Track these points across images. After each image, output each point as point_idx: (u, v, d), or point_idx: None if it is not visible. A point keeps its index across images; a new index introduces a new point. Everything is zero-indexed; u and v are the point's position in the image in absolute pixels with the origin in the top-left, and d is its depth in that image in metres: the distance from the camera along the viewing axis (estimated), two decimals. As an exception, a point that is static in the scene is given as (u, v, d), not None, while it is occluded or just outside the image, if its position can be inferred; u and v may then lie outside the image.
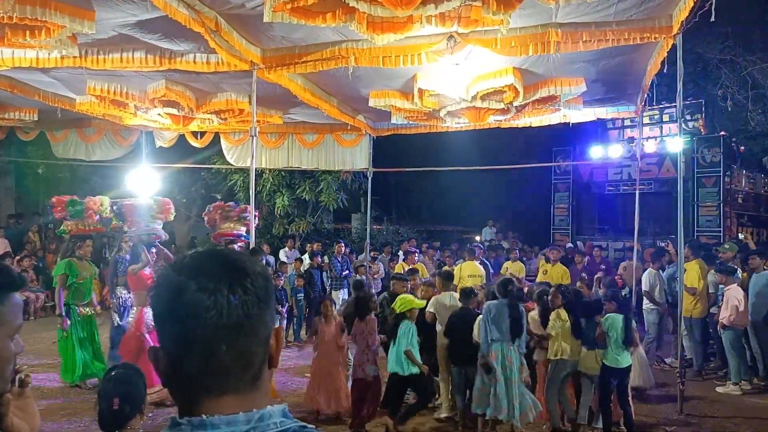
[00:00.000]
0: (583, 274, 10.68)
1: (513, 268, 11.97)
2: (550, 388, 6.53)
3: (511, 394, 6.09)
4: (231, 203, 10.99)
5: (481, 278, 10.20)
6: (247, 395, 1.06)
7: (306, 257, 13.57)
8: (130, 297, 8.16)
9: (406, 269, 10.86)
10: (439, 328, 7.02)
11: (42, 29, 6.21)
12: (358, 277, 11.03)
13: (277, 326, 1.12)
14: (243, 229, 10.52)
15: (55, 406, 7.24)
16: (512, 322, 6.22)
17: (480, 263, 11.14)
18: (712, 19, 5.75)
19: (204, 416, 1.02)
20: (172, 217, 9.09)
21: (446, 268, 11.06)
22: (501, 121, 10.34)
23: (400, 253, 13.84)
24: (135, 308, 7.62)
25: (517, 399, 6.10)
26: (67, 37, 6.58)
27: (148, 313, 7.00)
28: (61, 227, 9.19)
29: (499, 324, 6.22)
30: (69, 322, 8.11)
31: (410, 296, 6.77)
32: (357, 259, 13.69)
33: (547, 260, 11.58)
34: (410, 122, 10.73)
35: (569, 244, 17.10)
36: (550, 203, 21.97)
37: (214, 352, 1.03)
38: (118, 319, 8.32)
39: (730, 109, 18.14)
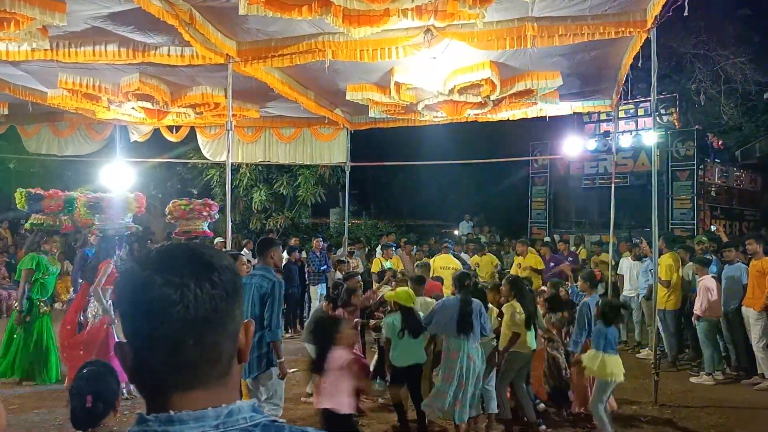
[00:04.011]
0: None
1: (482, 262, 12.08)
2: (503, 380, 6.45)
3: (466, 394, 5.93)
4: (186, 199, 10.96)
5: (455, 271, 10.24)
6: (216, 390, 1.04)
7: (284, 253, 13.50)
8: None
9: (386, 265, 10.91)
10: None
11: (11, 21, 6.08)
12: (338, 274, 11.07)
13: (246, 320, 1.10)
14: (204, 225, 10.50)
15: (28, 405, 7.13)
16: (460, 318, 6.00)
17: (454, 256, 11.24)
18: (686, 13, 5.81)
19: (172, 412, 1.00)
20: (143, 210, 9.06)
21: (422, 260, 11.13)
22: (478, 114, 10.36)
23: (378, 248, 13.83)
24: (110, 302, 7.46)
25: (468, 399, 5.94)
26: (38, 29, 6.46)
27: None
28: (30, 220, 9.11)
29: (451, 320, 6.06)
30: (28, 318, 7.97)
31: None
32: (335, 253, 13.64)
33: (517, 254, 11.78)
34: (388, 116, 10.72)
35: (547, 238, 17.28)
36: (527, 197, 22.13)
37: (181, 347, 1.01)
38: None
39: (703, 104, 18.40)
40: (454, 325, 6.00)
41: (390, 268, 10.08)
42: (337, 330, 5.16)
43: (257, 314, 5.52)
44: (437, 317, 6.20)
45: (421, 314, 6.82)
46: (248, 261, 7.85)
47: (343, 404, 4.92)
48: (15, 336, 7.99)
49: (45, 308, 8.20)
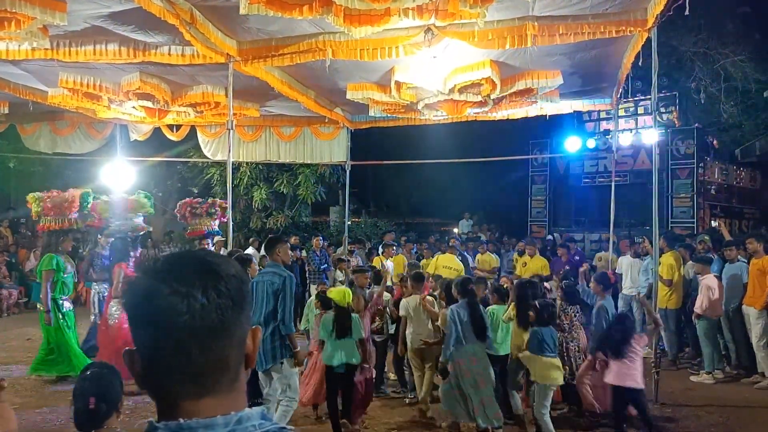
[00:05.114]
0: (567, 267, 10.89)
1: (482, 260, 12.10)
2: (512, 380, 6.47)
3: (480, 396, 5.97)
4: (198, 199, 10.94)
5: (457, 272, 10.22)
6: (225, 397, 1.05)
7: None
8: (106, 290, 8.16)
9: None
10: (409, 330, 7.00)
11: (12, 21, 6.07)
12: (338, 273, 11.11)
13: (254, 326, 1.10)
14: (214, 224, 10.48)
15: (30, 404, 7.14)
16: (474, 323, 6.10)
17: (458, 255, 11.23)
18: (687, 12, 5.80)
19: (181, 420, 1.00)
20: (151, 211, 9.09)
21: (424, 261, 11.13)
22: (479, 113, 10.34)
23: (380, 246, 13.85)
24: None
25: (487, 404, 5.97)
26: (38, 28, 6.45)
27: None
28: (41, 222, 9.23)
29: (466, 326, 6.09)
30: (53, 317, 8.02)
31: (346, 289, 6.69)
32: (335, 252, 13.66)
33: (521, 254, 11.74)
34: (388, 115, 10.72)
35: (549, 237, 17.27)
36: (527, 195, 22.13)
37: (189, 355, 1.02)
38: (95, 313, 8.23)
39: (703, 102, 18.37)
40: (469, 333, 6.08)
41: (372, 267, 10.11)
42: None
43: (271, 309, 5.65)
44: (458, 329, 6.18)
45: (424, 313, 6.88)
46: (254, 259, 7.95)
47: (640, 380, 6.01)
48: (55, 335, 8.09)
49: (69, 305, 8.38)
